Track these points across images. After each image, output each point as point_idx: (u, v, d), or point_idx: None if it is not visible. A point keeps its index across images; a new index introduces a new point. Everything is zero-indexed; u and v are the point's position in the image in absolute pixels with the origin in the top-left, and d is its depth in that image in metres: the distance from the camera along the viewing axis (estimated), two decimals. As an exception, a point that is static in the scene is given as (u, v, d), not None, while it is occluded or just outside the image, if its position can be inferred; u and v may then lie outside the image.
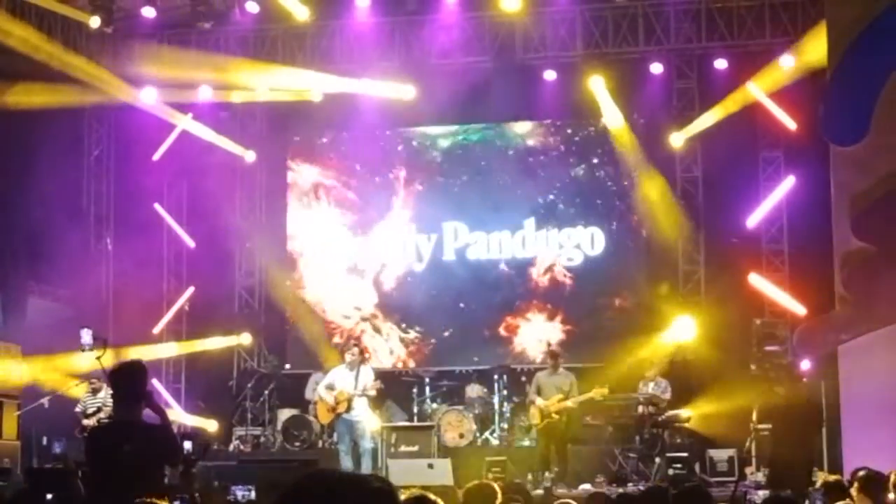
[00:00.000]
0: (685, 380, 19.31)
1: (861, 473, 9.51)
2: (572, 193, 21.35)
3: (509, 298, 21.47)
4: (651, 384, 18.73)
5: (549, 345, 20.40)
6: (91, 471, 8.41)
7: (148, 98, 20.85)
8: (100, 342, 16.30)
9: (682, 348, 20.37)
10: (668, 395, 18.59)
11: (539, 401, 17.68)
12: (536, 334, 21.34)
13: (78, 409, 16.41)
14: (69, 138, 20.68)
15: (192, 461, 10.71)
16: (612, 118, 20.85)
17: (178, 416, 20.22)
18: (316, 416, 18.86)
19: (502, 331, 21.40)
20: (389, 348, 21.54)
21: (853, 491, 9.14)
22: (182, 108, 21.18)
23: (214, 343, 21.41)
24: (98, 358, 15.02)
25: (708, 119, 19.81)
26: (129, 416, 8.40)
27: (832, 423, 16.70)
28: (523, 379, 19.30)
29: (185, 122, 21.08)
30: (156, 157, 21.13)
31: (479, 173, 21.67)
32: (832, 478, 11.04)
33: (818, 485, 11.14)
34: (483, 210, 21.66)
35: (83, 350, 16.41)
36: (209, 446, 19.31)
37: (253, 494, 8.15)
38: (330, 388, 17.38)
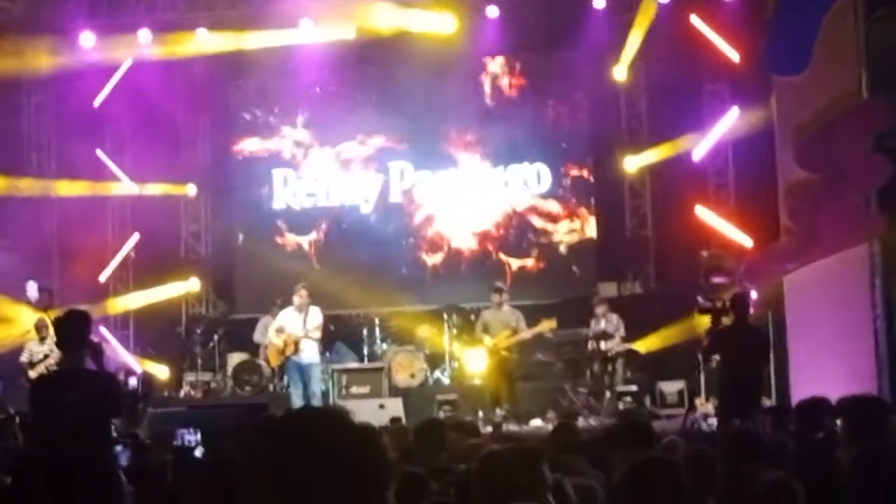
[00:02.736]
0: (634, 314, 19.38)
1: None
2: (518, 130, 21.21)
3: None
4: (603, 320, 18.77)
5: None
6: (35, 420, 8.36)
7: (86, 42, 20.51)
8: (45, 294, 16.19)
9: (631, 283, 20.50)
10: (621, 331, 18.65)
11: (487, 339, 17.68)
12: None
13: (23, 358, 16.10)
14: (7, 85, 20.31)
15: (139, 397, 10.70)
16: (558, 54, 20.77)
17: (130, 363, 20.17)
18: (266, 360, 18.85)
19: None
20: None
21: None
22: (122, 52, 20.81)
23: (163, 293, 21.24)
24: (45, 310, 14.92)
25: (635, 40, 19.65)
26: (74, 365, 8.36)
27: (779, 352, 16.86)
28: (472, 318, 19.29)
29: (125, 67, 20.72)
30: (96, 102, 20.82)
31: (424, 112, 21.47)
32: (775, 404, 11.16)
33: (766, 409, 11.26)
34: (429, 149, 21.57)
35: (29, 303, 16.29)
36: (153, 383, 19.26)
37: (199, 437, 8.14)
38: (280, 330, 17.39)
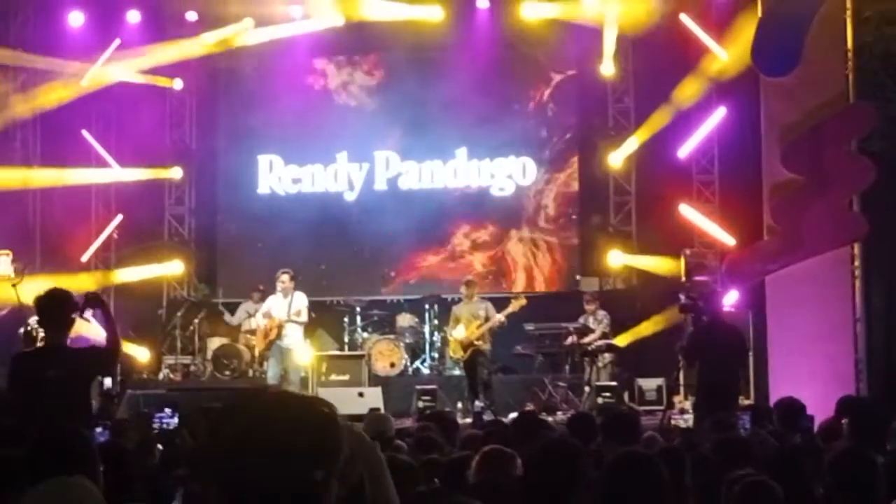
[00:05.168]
0: (615, 310, 19.40)
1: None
2: (504, 123, 21.23)
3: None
4: (591, 317, 18.82)
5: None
6: (15, 396, 8.34)
7: (75, 21, 20.44)
8: (18, 266, 16.11)
9: (613, 279, 20.53)
10: (603, 327, 18.67)
11: (455, 333, 17.69)
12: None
13: (23, 330, 15.98)
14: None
15: (111, 397, 10.68)
16: (545, 47, 20.76)
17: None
18: (247, 345, 18.96)
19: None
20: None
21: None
22: (110, 32, 20.72)
23: (144, 272, 21.16)
24: (14, 286, 14.78)
25: (611, 36, 19.64)
26: (56, 342, 8.37)
27: (759, 353, 16.92)
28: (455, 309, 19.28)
29: (113, 47, 20.60)
30: (83, 82, 20.71)
31: (410, 102, 21.45)
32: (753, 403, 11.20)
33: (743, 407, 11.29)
34: (415, 139, 21.52)
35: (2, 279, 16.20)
36: (126, 381, 19.18)
37: (176, 420, 8.14)
38: (267, 315, 17.58)
